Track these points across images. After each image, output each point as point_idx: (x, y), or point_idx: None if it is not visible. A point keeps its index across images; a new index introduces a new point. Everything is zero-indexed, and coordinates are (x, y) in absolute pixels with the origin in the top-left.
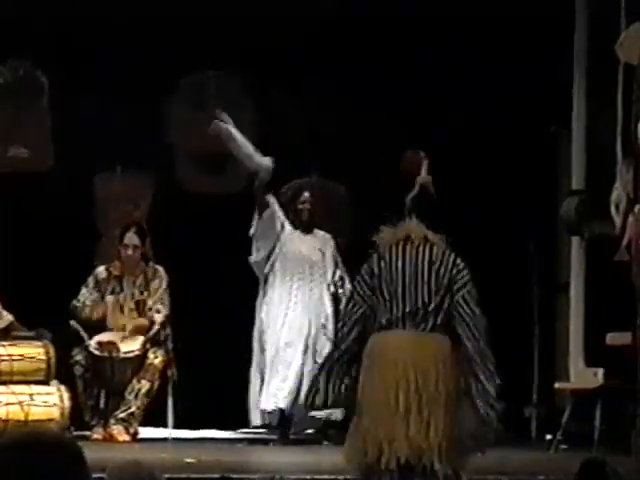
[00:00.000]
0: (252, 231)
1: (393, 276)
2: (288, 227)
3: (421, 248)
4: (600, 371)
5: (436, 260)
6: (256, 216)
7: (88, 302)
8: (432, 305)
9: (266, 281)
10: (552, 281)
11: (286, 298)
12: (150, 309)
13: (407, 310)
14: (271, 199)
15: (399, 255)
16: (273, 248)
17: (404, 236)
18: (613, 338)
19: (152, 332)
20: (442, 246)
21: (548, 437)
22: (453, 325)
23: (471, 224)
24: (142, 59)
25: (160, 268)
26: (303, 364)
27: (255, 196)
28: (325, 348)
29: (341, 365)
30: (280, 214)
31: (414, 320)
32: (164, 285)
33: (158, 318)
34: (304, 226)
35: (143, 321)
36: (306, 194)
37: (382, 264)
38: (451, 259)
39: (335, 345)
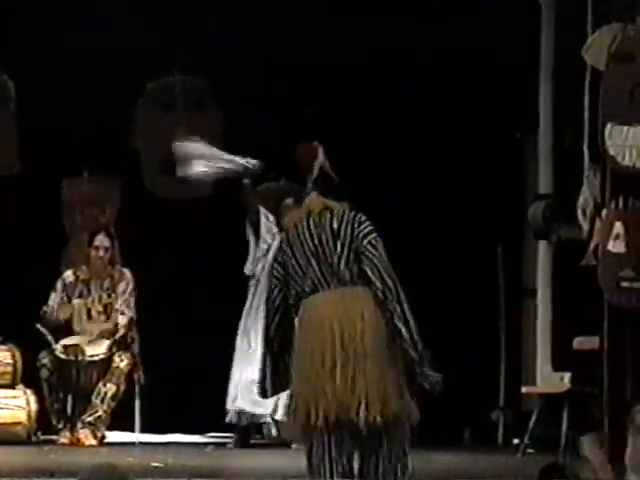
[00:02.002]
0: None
1: (304, 246)
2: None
3: (323, 216)
4: (567, 375)
5: (338, 220)
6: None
7: (56, 305)
8: (344, 260)
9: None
10: (519, 285)
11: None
12: (116, 311)
13: (324, 272)
14: (261, 209)
15: (304, 227)
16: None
17: (307, 212)
18: (580, 342)
19: (117, 335)
20: (342, 209)
21: (515, 441)
22: (364, 272)
23: (439, 228)
24: (109, 62)
25: (126, 271)
26: None
27: (243, 201)
28: None
29: (277, 348)
30: (270, 224)
31: (333, 279)
32: (130, 288)
33: (122, 321)
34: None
35: (108, 326)
36: (288, 200)
37: (291, 240)
38: (352, 215)
39: (266, 334)
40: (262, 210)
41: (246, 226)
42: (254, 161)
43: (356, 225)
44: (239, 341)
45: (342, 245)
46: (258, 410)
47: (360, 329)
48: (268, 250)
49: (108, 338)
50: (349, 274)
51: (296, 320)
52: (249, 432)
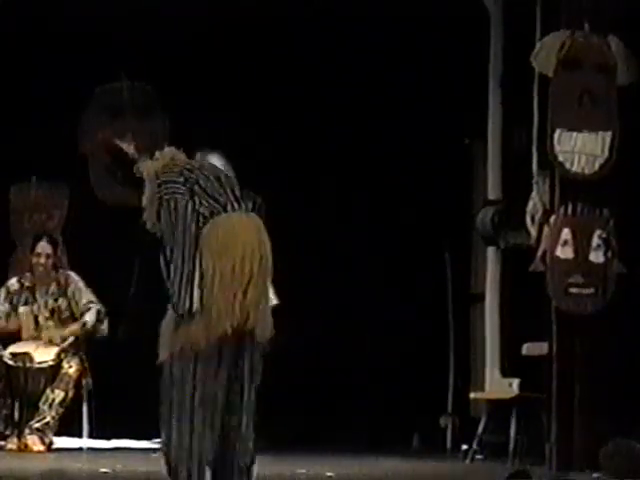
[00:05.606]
0: None
1: (204, 173)
2: None
3: (197, 162)
4: (516, 381)
5: (219, 165)
6: None
7: (1, 314)
8: (242, 194)
9: None
10: (467, 290)
11: None
12: (82, 313)
13: (232, 199)
14: None
15: (185, 166)
16: None
17: (170, 158)
18: (529, 348)
19: (67, 342)
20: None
21: (464, 447)
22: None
23: (387, 233)
24: (57, 68)
25: (71, 273)
26: None
27: None
28: None
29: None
30: None
31: (236, 205)
32: (82, 286)
33: (89, 318)
34: None
35: (75, 327)
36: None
37: (186, 174)
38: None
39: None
40: None
41: None
42: None
43: (234, 176)
44: None
45: (233, 182)
46: None
47: (264, 250)
48: None
49: (78, 338)
50: (245, 203)
51: (207, 233)
52: None
